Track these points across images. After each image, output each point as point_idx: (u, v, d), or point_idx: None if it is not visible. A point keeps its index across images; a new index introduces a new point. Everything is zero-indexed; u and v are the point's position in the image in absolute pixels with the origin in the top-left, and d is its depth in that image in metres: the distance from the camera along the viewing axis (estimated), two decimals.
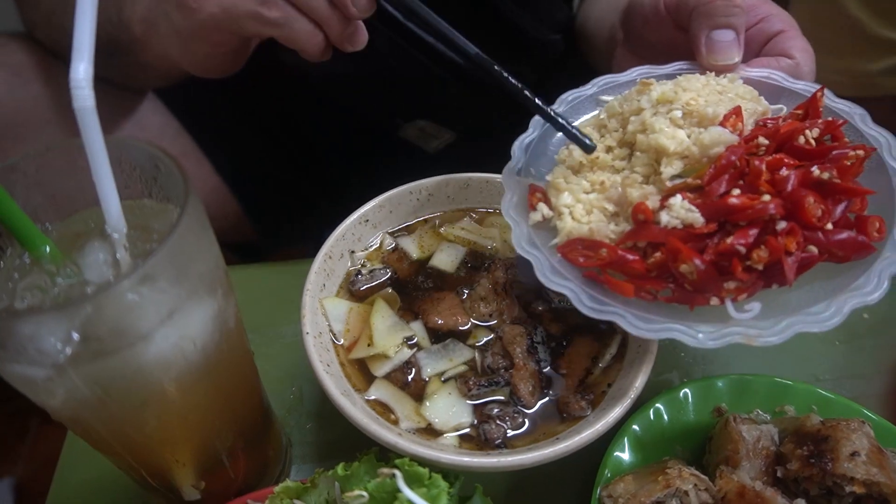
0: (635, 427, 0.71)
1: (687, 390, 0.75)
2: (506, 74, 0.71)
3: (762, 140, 0.62)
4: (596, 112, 0.77)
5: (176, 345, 0.49)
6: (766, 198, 0.57)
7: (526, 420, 0.66)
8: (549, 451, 0.60)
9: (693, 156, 0.63)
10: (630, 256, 0.60)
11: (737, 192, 0.59)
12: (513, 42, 1.26)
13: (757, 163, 0.60)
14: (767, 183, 0.59)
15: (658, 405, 0.73)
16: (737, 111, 0.65)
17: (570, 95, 0.78)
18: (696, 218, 0.58)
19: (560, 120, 0.68)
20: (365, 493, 0.58)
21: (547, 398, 0.68)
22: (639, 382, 0.64)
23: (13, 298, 0.49)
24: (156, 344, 0.47)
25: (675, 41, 0.79)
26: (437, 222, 0.84)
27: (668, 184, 0.63)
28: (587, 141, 0.67)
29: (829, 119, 0.66)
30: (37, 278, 0.49)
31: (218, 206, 1.41)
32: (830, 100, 0.70)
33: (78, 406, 0.49)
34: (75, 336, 0.44)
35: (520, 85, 0.71)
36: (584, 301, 0.60)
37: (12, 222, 0.48)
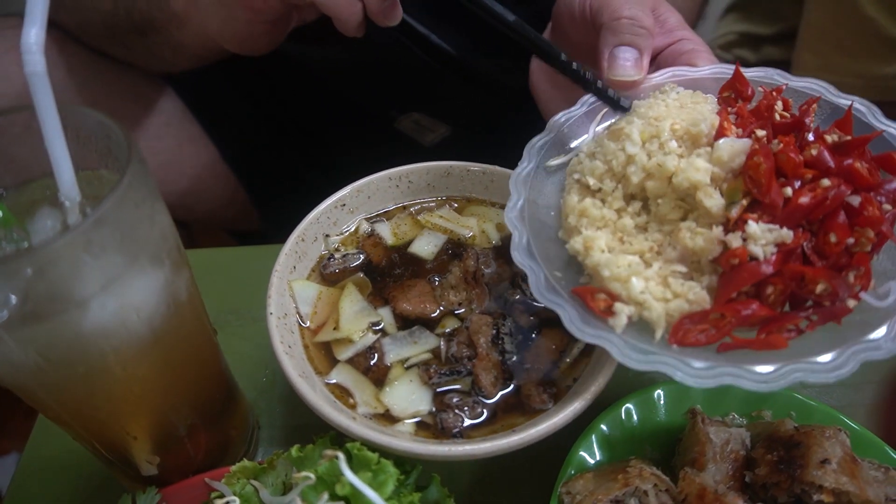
0: (603, 426, 0.69)
1: (660, 391, 0.72)
2: (545, 39, 0.70)
3: (760, 132, 0.60)
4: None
5: (116, 314, 0.48)
6: (826, 182, 0.56)
7: (485, 411, 0.65)
8: (504, 442, 0.58)
9: (718, 177, 0.60)
10: (748, 309, 0.56)
11: (788, 190, 0.57)
12: (510, 38, 1.25)
13: (792, 154, 0.58)
14: (806, 168, 0.58)
15: (629, 405, 0.71)
16: (723, 115, 0.63)
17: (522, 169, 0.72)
18: (786, 234, 0.55)
19: (598, 84, 0.69)
20: (312, 476, 0.58)
21: (509, 390, 0.66)
22: (602, 378, 0.62)
23: None
24: (93, 311, 0.47)
25: (594, 46, 0.77)
26: (415, 209, 0.83)
27: (732, 214, 0.58)
28: (624, 104, 0.68)
29: (769, 89, 0.66)
30: None
31: (224, 193, 1.42)
32: (743, 72, 0.70)
33: (15, 371, 0.49)
34: (10, 297, 0.44)
35: (558, 51, 0.69)
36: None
37: None
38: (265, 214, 1.49)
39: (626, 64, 0.72)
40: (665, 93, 0.70)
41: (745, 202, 0.58)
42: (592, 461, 0.68)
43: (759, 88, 0.69)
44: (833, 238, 0.54)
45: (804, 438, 0.62)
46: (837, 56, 1.29)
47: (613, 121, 0.73)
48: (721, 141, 0.60)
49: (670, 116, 0.65)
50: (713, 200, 0.58)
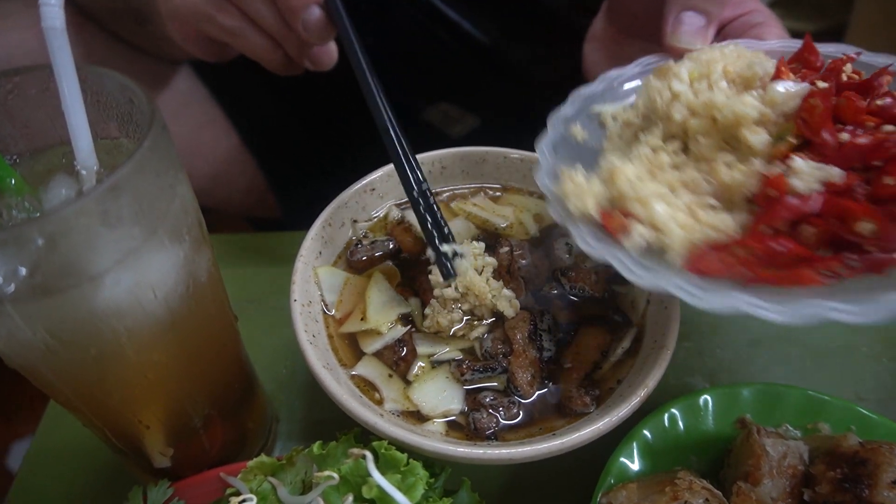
0: (646, 432, 0.64)
1: (708, 397, 0.67)
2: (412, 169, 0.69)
3: (822, 84, 0.55)
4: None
5: (131, 291, 0.45)
6: (890, 127, 0.51)
7: (522, 412, 0.60)
8: (543, 446, 0.53)
9: (768, 118, 0.55)
10: (780, 245, 0.50)
11: (845, 136, 0.52)
12: (547, 24, 1.21)
13: (854, 99, 0.53)
14: (869, 115, 0.53)
15: (674, 410, 0.66)
16: (782, 62, 0.59)
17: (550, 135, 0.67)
18: (835, 172, 0.50)
19: (436, 241, 0.65)
20: (335, 475, 0.54)
21: (547, 390, 0.62)
22: (651, 381, 0.57)
23: None
24: (106, 287, 0.43)
25: (655, 18, 0.72)
26: (448, 196, 0.79)
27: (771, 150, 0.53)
28: (449, 269, 0.64)
29: (840, 56, 0.61)
30: None
31: (243, 178, 1.39)
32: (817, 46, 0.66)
33: (23, 350, 0.45)
34: (19, 270, 0.40)
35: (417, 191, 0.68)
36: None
37: None
38: (284, 202, 1.46)
39: (690, 30, 0.67)
40: (722, 46, 0.65)
41: (793, 140, 0.53)
42: (633, 470, 0.63)
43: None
44: (890, 181, 0.49)
45: (871, 455, 0.57)
46: (890, 52, 1.22)
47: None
48: (776, 82, 0.56)
49: (724, 60, 0.60)
50: (758, 136, 0.53)
